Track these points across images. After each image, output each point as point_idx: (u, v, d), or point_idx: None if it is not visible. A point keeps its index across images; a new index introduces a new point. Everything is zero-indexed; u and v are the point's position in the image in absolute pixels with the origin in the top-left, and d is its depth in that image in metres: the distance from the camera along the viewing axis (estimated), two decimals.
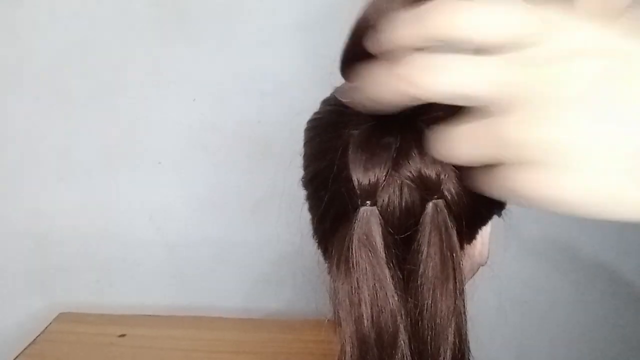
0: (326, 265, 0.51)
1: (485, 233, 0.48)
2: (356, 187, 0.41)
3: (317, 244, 0.52)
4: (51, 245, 1.07)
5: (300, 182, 0.52)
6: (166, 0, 0.92)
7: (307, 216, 0.53)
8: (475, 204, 0.43)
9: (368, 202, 0.42)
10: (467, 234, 0.46)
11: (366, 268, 0.42)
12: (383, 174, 0.41)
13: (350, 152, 0.42)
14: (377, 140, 0.42)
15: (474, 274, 0.52)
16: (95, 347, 0.96)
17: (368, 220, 0.42)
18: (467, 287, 0.54)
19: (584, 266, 1.05)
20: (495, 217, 0.49)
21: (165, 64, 0.95)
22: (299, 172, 0.53)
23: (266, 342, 0.95)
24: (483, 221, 0.48)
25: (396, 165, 0.42)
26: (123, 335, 0.98)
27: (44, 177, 1.03)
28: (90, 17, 0.93)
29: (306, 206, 0.52)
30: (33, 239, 1.07)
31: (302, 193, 0.53)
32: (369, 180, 0.41)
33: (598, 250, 1.04)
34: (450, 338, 0.43)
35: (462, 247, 0.46)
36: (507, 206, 0.51)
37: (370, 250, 0.42)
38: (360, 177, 0.41)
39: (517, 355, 1.14)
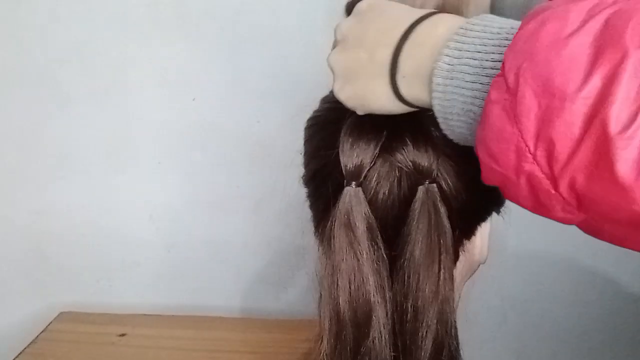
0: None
1: (484, 230, 0.48)
2: (343, 169, 0.42)
3: (318, 242, 0.52)
4: (51, 245, 1.07)
5: (301, 180, 0.52)
6: (166, 0, 0.92)
7: (307, 216, 0.53)
8: (473, 201, 0.43)
9: (353, 182, 0.43)
10: (466, 230, 0.46)
11: (346, 247, 0.43)
12: (368, 157, 0.42)
13: (340, 135, 0.43)
14: (367, 125, 0.43)
15: (473, 272, 0.52)
16: (96, 347, 0.96)
17: (350, 200, 0.42)
18: (467, 286, 0.54)
19: (583, 266, 1.05)
20: (494, 216, 0.49)
21: (165, 64, 0.95)
22: (299, 172, 0.53)
23: (266, 342, 0.95)
24: (482, 218, 0.48)
25: (389, 149, 0.42)
26: (123, 335, 0.98)
27: (44, 177, 1.03)
28: (90, 17, 0.93)
29: (306, 205, 0.52)
30: (33, 239, 1.07)
31: (302, 193, 0.53)
32: (354, 163, 0.42)
33: (598, 250, 1.04)
34: (432, 323, 0.43)
35: (460, 242, 0.46)
36: (506, 205, 0.51)
37: (350, 230, 0.43)
38: (346, 159, 0.42)
39: (517, 355, 1.14)
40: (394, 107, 0.39)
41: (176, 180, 1.03)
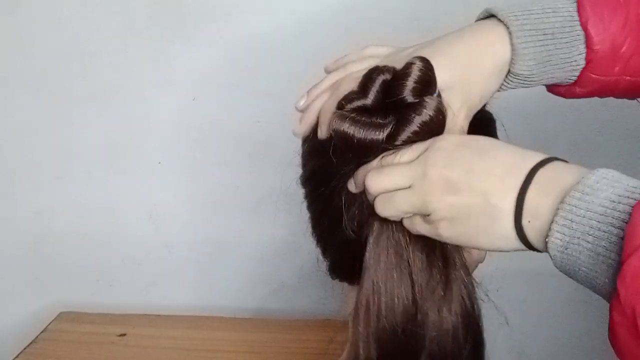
0: (325, 263, 0.52)
1: None
2: (355, 143, 0.42)
3: (315, 242, 0.52)
4: (51, 245, 1.07)
5: (299, 181, 0.52)
6: (166, 0, 0.92)
7: (306, 215, 0.53)
8: None
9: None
10: None
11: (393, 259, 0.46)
12: (380, 137, 0.42)
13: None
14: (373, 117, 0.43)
15: (472, 272, 0.52)
16: (96, 346, 0.96)
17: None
18: None
19: None
20: None
21: (165, 64, 0.95)
22: (299, 172, 0.53)
23: (266, 342, 0.95)
24: None
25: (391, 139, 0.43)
26: (123, 335, 0.98)
27: (44, 177, 1.03)
28: (90, 17, 0.93)
29: (305, 205, 0.52)
30: (33, 239, 1.07)
31: (301, 192, 0.53)
32: (370, 137, 0.42)
33: None
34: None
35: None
36: None
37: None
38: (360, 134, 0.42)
39: (517, 355, 1.14)
40: (509, 246, 0.40)
41: (176, 180, 1.02)
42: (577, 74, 0.49)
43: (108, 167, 1.02)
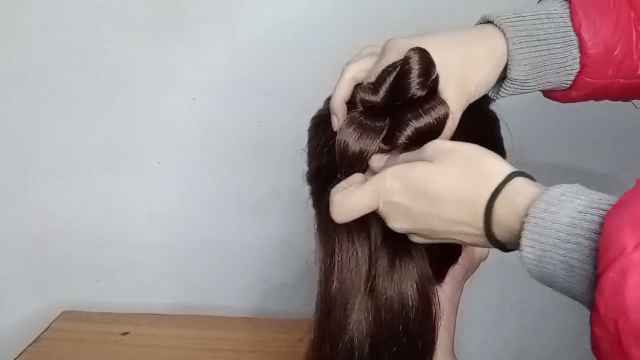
0: None
1: None
2: (343, 155, 0.44)
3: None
4: (51, 245, 1.07)
5: (305, 177, 0.52)
6: (166, 0, 0.92)
7: (306, 216, 0.53)
8: None
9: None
10: None
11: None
12: (372, 147, 0.44)
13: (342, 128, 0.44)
14: (369, 120, 0.44)
15: (475, 270, 0.53)
16: (98, 345, 0.96)
17: None
18: (467, 286, 0.54)
19: None
20: None
21: (165, 64, 0.95)
22: (299, 172, 0.53)
23: (266, 342, 0.95)
24: None
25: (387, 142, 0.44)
26: (126, 334, 0.98)
27: (44, 177, 1.03)
28: (90, 17, 0.93)
29: (308, 204, 0.52)
30: (33, 239, 1.07)
31: (301, 193, 0.53)
32: (358, 149, 0.44)
33: None
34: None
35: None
36: None
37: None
38: (351, 145, 0.44)
39: (517, 355, 1.14)
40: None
41: (176, 180, 1.03)
42: (573, 78, 0.49)
43: (108, 167, 1.02)
